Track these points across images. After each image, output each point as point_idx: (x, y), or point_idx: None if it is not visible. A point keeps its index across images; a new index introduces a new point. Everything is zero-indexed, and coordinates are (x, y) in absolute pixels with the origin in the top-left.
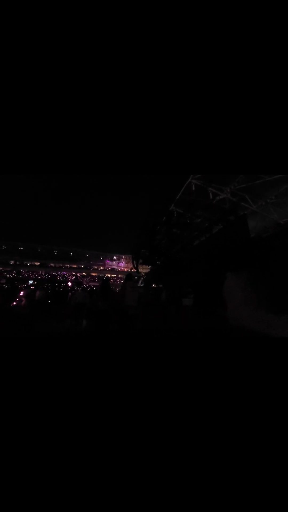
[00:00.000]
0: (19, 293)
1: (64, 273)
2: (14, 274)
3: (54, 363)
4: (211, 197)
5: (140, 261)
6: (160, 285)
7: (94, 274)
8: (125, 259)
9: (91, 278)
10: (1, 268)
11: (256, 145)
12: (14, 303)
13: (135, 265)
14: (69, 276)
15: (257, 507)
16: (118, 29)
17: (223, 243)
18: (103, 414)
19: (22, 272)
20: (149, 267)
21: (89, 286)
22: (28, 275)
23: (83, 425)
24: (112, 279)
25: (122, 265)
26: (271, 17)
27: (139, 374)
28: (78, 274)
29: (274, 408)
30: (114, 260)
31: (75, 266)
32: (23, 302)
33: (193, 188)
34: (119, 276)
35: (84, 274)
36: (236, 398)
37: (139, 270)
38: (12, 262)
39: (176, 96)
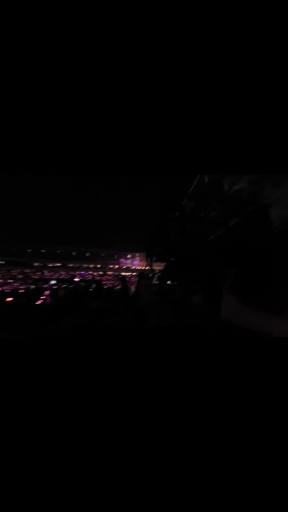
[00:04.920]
0: (44, 292)
1: (82, 272)
2: (39, 274)
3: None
4: (226, 188)
5: (154, 258)
6: (175, 282)
7: (109, 272)
8: (139, 257)
9: (107, 276)
10: (28, 270)
11: (260, 145)
12: (40, 301)
13: (149, 263)
14: (87, 275)
15: (257, 507)
16: (118, 27)
17: (241, 236)
18: (109, 411)
19: (46, 273)
20: (164, 264)
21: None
22: (51, 275)
23: (89, 423)
24: (127, 277)
25: (136, 263)
26: (272, 16)
27: (147, 373)
28: (95, 273)
29: (275, 408)
30: (128, 258)
31: (91, 266)
32: (47, 300)
33: (207, 180)
34: (133, 274)
35: (101, 272)
36: (236, 399)
37: (153, 267)
38: (36, 264)
39: (178, 94)
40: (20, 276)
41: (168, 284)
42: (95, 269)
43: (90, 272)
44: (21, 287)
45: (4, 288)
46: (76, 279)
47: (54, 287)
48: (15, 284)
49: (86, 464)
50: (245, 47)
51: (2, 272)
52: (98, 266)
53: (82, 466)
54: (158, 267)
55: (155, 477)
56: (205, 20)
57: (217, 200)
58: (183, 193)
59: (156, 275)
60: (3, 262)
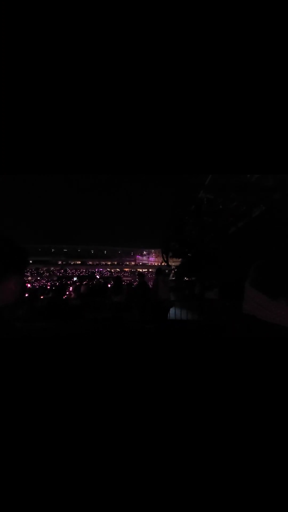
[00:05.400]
0: (69, 288)
1: (101, 269)
2: (62, 272)
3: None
4: (248, 175)
5: (170, 254)
6: (193, 278)
7: (126, 269)
8: (155, 253)
9: (124, 273)
10: (53, 268)
11: (262, 144)
12: (65, 297)
13: (165, 259)
14: (105, 272)
15: (257, 508)
16: (118, 26)
17: (266, 227)
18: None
19: (68, 271)
20: (180, 260)
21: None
22: (73, 272)
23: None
24: (143, 273)
25: (152, 259)
26: (273, 16)
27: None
28: (112, 270)
29: (276, 408)
30: (144, 255)
31: (109, 263)
32: (72, 296)
33: None
34: (150, 270)
35: (118, 269)
36: (238, 399)
37: (170, 263)
38: (60, 262)
39: (179, 93)
40: (46, 274)
41: (185, 280)
42: (112, 266)
43: (108, 269)
44: (48, 283)
45: (34, 284)
46: (97, 276)
47: (77, 283)
48: (42, 281)
49: (101, 459)
50: (246, 47)
51: (31, 270)
52: (115, 263)
53: (98, 462)
54: (174, 263)
55: (169, 478)
56: (207, 18)
57: (237, 189)
58: (199, 184)
59: (173, 271)
60: (31, 261)
